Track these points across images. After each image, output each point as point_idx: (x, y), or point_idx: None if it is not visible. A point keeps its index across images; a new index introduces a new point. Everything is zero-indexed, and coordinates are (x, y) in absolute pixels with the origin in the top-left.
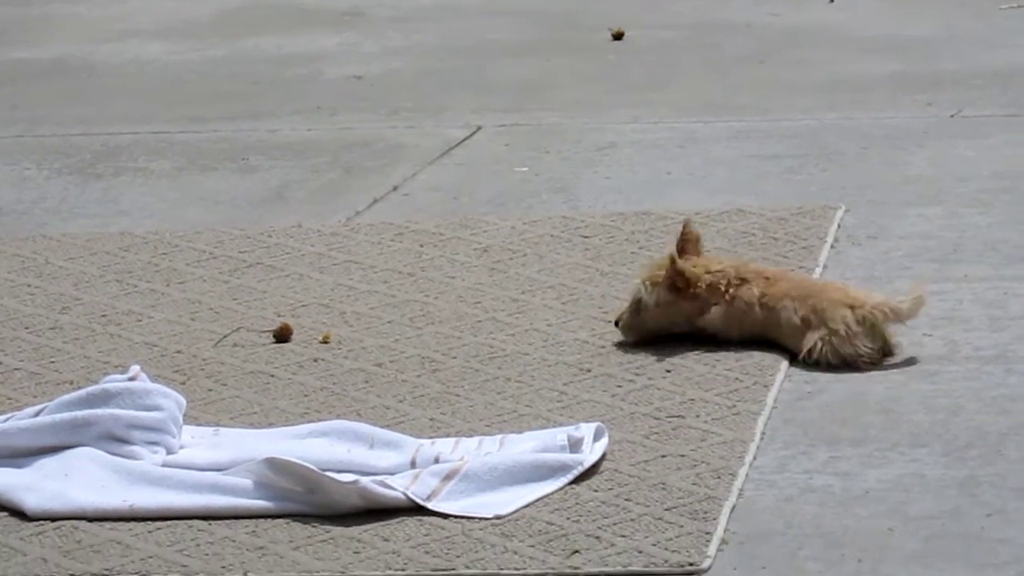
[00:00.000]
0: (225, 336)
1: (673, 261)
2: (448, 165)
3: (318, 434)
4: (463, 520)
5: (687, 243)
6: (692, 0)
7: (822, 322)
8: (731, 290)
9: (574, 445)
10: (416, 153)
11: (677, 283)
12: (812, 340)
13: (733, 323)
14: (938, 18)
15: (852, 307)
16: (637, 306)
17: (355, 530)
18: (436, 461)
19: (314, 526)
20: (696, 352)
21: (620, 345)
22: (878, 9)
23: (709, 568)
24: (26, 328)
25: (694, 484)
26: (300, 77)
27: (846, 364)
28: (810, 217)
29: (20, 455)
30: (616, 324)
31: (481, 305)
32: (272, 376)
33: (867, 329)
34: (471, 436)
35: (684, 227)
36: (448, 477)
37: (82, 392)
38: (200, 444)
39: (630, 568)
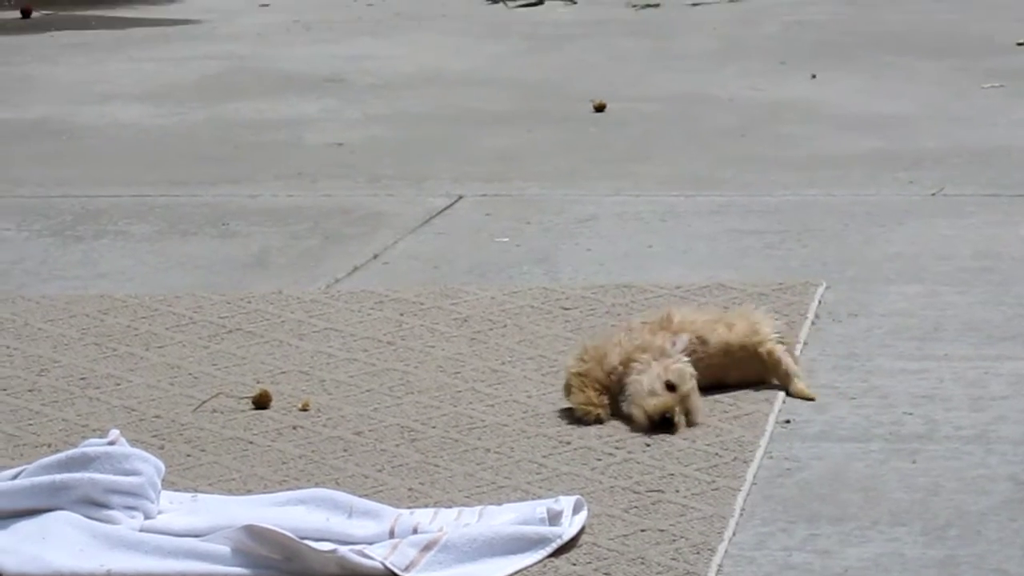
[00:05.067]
0: (204, 402)
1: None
2: (429, 234)
3: (296, 502)
4: None
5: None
6: (674, 73)
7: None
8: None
9: (553, 518)
10: (397, 221)
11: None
12: None
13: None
14: (919, 96)
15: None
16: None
17: None
18: (415, 531)
19: None
20: None
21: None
22: (859, 86)
23: None
24: (4, 390)
25: (673, 559)
26: (280, 143)
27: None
28: (791, 293)
29: None
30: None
31: (461, 375)
32: (251, 443)
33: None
34: (450, 507)
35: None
36: (427, 548)
37: (61, 455)
38: (178, 510)
39: None
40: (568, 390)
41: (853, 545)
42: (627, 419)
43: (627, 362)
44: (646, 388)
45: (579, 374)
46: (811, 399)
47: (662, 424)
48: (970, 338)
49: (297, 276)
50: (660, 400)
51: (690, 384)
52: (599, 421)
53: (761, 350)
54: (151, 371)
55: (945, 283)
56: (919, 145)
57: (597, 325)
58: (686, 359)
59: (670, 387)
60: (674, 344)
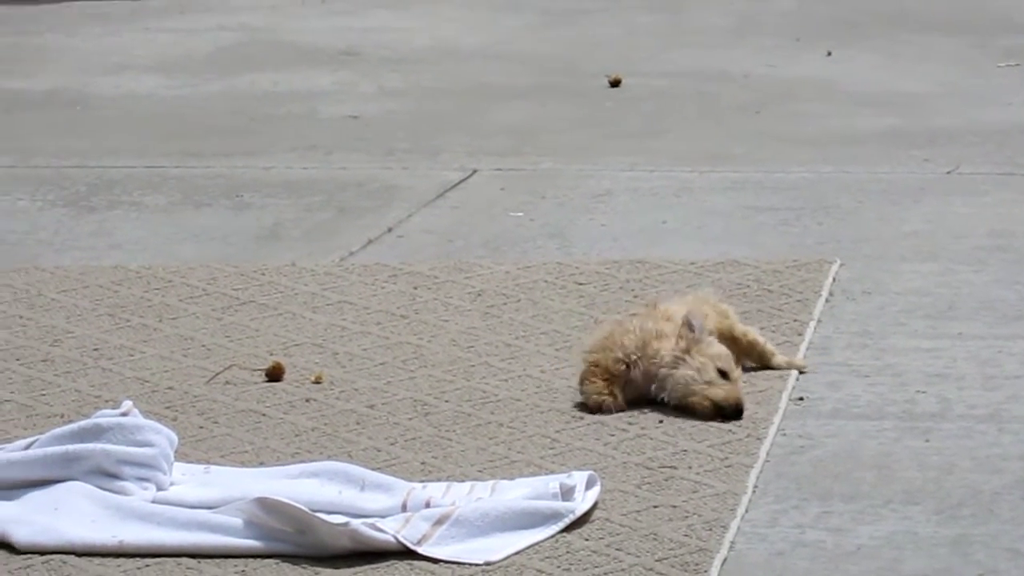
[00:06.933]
0: (217, 374)
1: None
2: (443, 208)
3: (309, 475)
4: (453, 565)
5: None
6: (689, 49)
7: None
8: None
9: (566, 493)
10: (411, 195)
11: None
12: None
13: None
14: (935, 74)
15: None
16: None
17: (344, 572)
18: (427, 505)
19: (303, 567)
20: None
21: None
22: (875, 64)
23: None
24: (17, 360)
25: (685, 536)
26: (296, 115)
27: None
28: (805, 270)
29: (10, 488)
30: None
31: (474, 349)
32: (263, 415)
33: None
34: (462, 481)
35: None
36: (439, 522)
37: (74, 426)
38: (190, 481)
39: None
40: (582, 381)
41: (866, 523)
42: (685, 410)
43: (643, 347)
44: (702, 378)
45: (592, 364)
46: (802, 369)
47: (733, 414)
48: (984, 317)
49: (311, 248)
50: (728, 389)
51: (738, 369)
52: (610, 411)
53: (736, 333)
54: (164, 342)
55: (960, 261)
56: (934, 123)
57: (610, 300)
58: (714, 338)
59: (723, 374)
60: (692, 327)
